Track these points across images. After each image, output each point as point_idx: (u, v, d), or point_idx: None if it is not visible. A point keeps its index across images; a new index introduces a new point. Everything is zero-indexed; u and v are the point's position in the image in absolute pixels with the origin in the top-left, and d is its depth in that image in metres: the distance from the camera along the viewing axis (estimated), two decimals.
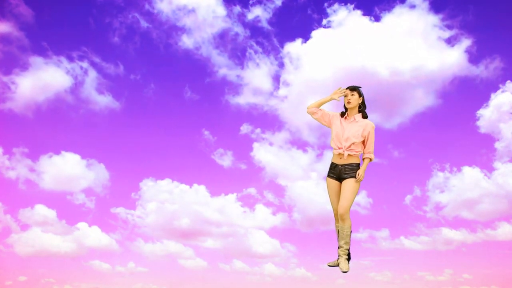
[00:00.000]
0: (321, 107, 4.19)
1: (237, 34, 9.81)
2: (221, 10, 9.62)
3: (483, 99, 9.46)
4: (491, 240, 8.22)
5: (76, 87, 9.28)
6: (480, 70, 9.27)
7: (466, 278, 7.76)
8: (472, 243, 8.39)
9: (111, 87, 9.61)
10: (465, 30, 9.32)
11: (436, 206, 8.88)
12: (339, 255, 4.08)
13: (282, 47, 9.74)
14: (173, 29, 9.73)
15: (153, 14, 9.63)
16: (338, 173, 4.02)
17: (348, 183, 3.97)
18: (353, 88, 4.05)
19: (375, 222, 8.72)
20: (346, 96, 4.04)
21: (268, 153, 9.21)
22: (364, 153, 4.02)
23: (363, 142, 4.03)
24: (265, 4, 9.79)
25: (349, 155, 3.96)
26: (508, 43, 9.68)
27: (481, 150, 9.22)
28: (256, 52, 9.73)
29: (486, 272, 8.07)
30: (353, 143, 3.95)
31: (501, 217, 8.38)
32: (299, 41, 9.59)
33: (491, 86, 9.46)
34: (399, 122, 9.47)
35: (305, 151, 9.42)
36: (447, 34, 9.17)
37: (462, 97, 9.74)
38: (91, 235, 8.10)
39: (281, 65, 9.66)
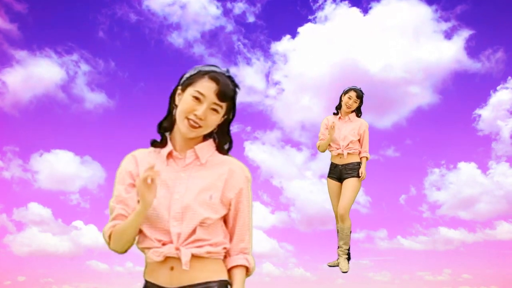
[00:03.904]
0: (322, 135, 4.08)
1: (229, 32, 9.73)
2: (213, 7, 9.52)
3: (482, 96, 9.38)
4: (491, 239, 8.21)
5: (67, 83, 9.15)
6: (479, 66, 9.14)
7: (465, 278, 7.75)
8: (471, 242, 8.37)
9: (104, 84, 9.50)
10: (463, 22, 9.19)
11: (434, 205, 8.86)
12: (338, 255, 4.05)
13: (272, 44, 9.67)
14: (163, 26, 9.63)
15: (143, 10, 9.54)
16: (339, 173, 3.99)
17: (349, 183, 3.92)
18: (360, 96, 3.99)
19: (373, 222, 8.70)
20: (350, 98, 3.97)
21: (262, 152, 9.15)
22: (360, 152, 4.00)
23: (359, 140, 4.01)
24: None
25: (348, 153, 3.93)
26: (511, 35, 9.51)
27: (478, 149, 9.19)
28: (246, 49, 9.66)
29: (486, 272, 8.06)
30: (350, 142, 3.92)
31: (499, 216, 8.38)
32: (287, 37, 9.49)
33: (491, 83, 9.35)
34: (394, 120, 9.38)
35: (299, 149, 9.35)
36: (442, 25, 9.07)
37: (460, 94, 9.66)
38: (88, 234, 8.05)
39: (271, 62, 9.59)
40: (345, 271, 4.00)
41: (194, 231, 1.30)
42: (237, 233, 1.40)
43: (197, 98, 1.32)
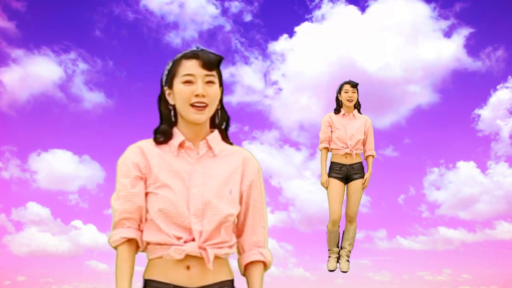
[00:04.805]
0: (324, 134, 3.87)
1: (227, 31, 9.70)
2: (211, 6, 9.50)
3: (482, 96, 9.34)
4: (491, 239, 8.21)
5: (65, 83, 9.10)
6: (480, 64, 9.08)
7: (465, 278, 7.75)
8: (471, 242, 8.37)
9: (102, 83, 9.45)
10: (462, 20, 9.13)
11: (433, 204, 8.85)
12: (341, 256, 4.03)
13: (270, 44, 9.64)
14: (161, 25, 9.60)
15: (140, 9, 9.50)
16: (346, 173, 3.84)
17: (357, 185, 3.86)
18: (355, 85, 3.90)
19: (372, 222, 8.70)
20: (347, 92, 3.90)
21: (260, 152, 9.13)
22: (365, 150, 3.89)
23: (363, 139, 3.93)
24: None
25: (356, 153, 3.83)
26: (511, 33, 9.44)
27: (477, 148, 9.19)
28: (244, 48, 9.64)
29: (486, 272, 8.06)
30: (358, 141, 3.79)
31: (499, 216, 8.38)
32: (285, 36, 9.46)
33: (491, 82, 9.30)
34: (393, 120, 9.34)
35: (298, 149, 9.33)
36: (441, 24, 9.01)
37: (459, 93, 9.63)
38: (87, 234, 8.04)
39: (269, 62, 9.57)
40: (345, 271, 4.00)
41: (216, 230, 1.24)
42: (248, 226, 1.36)
43: (188, 82, 1.27)
